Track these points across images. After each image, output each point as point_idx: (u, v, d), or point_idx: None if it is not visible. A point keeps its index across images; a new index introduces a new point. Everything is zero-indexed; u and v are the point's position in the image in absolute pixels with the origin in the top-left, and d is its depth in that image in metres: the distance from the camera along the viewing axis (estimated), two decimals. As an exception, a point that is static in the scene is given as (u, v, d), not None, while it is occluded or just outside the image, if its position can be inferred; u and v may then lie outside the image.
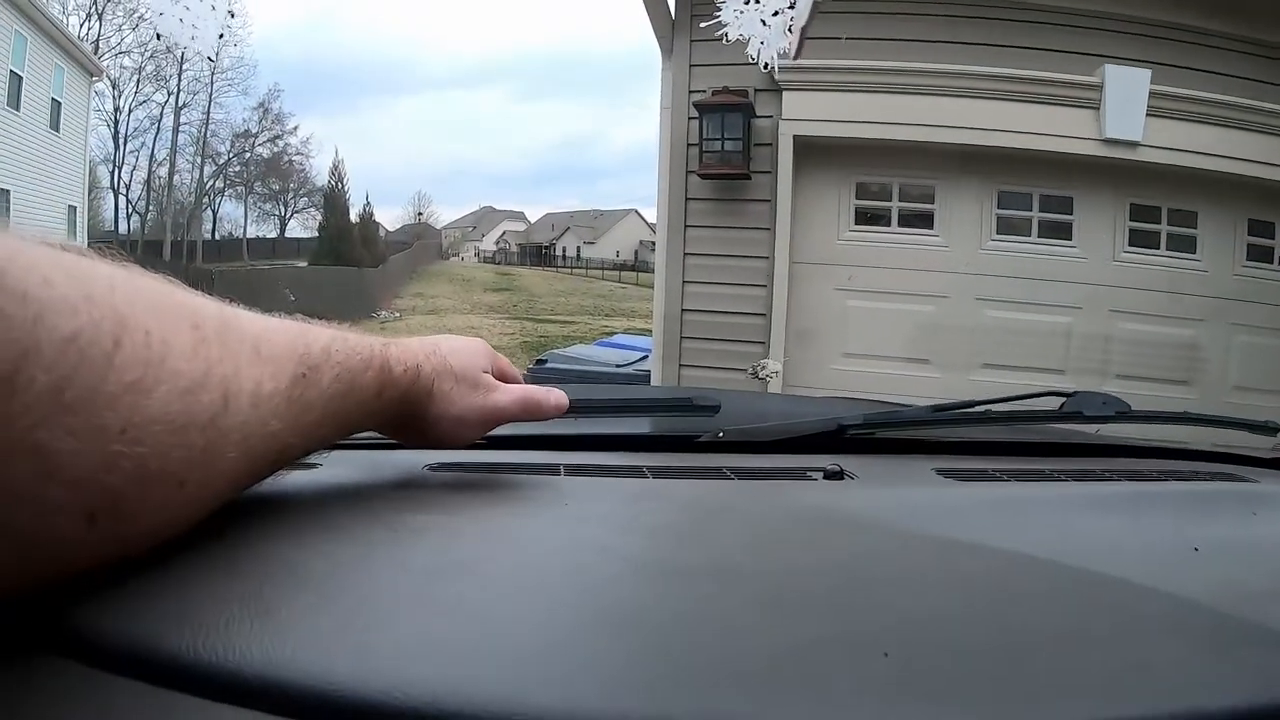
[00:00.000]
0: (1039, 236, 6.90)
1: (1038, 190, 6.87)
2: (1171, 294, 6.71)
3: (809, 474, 1.23)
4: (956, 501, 1.16)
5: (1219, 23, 6.35)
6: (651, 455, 1.38)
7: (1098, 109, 6.37)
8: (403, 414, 0.95)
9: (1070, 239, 6.85)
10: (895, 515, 1.03)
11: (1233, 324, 6.62)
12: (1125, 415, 1.56)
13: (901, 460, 1.41)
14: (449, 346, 1.02)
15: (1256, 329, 6.59)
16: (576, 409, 1.19)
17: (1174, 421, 1.68)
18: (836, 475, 1.21)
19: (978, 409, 1.55)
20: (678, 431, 1.51)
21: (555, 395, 1.11)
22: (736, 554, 0.87)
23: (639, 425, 1.65)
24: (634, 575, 0.81)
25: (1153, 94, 6.32)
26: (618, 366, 8.61)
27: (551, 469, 1.23)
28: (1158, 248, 6.86)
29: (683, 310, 6.94)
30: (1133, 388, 5.85)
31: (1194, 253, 6.82)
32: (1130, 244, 6.84)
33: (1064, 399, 1.58)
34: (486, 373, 1.05)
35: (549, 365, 8.73)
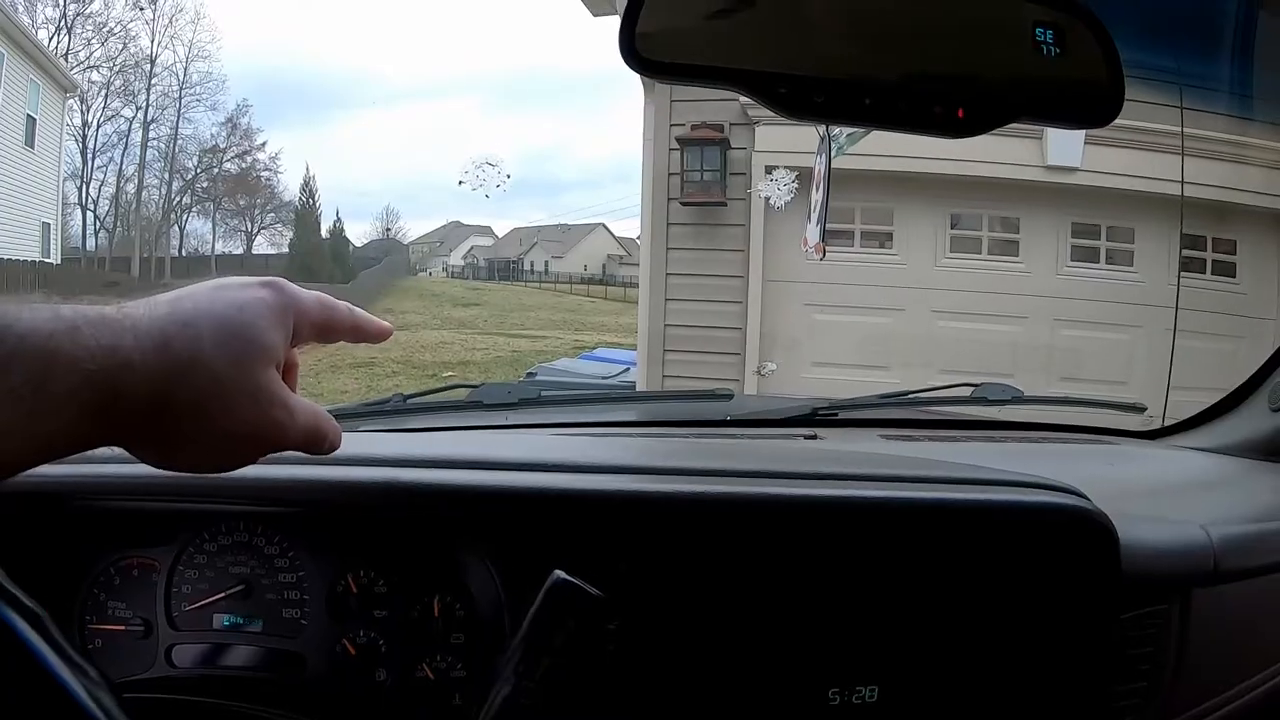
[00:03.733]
0: (988, 253, 7.46)
1: (987, 211, 7.44)
2: (1110, 303, 7.21)
3: (793, 438, 1.77)
4: (890, 450, 1.68)
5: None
6: (678, 428, 1.90)
7: (1040, 139, 6.90)
8: (115, 427, 0.67)
9: (1017, 255, 7.41)
10: (849, 455, 1.44)
11: (1168, 330, 6.98)
12: (1019, 399, 2.04)
13: (856, 430, 1.93)
14: (216, 320, 0.72)
15: (1192, 334, 6.96)
16: (605, 399, 1.42)
17: (1059, 404, 2.18)
18: (811, 438, 1.76)
19: (909, 396, 2.06)
20: (699, 415, 1.99)
21: (333, 430, 0.82)
22: (747, 462, 1.22)
23: (665, 411, 2.11)
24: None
25: (1089, 123, 6.80)
26: (603, 379, 8.60)
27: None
28: (1097, 261, 7.41)
29: (666, 325, 7.40)
30: (1076, 389, 6.26)
31: (1131, 266, 7.37)
32: (1072, 259, 7.39)
33: (973, 388, 2.06)
34: (275, 366, 0.76)
35: (539, 378, 8.53)
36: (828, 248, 7.42)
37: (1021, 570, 1.08)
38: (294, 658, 1.10)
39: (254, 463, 0.77)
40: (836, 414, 1.91)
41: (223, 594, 1.10)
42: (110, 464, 1.04)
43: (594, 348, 15.29)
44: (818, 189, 2.42)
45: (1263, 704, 1.49)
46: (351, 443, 0.90)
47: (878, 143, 6.87)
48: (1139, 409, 2.20)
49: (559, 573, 0.82)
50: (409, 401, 1.83)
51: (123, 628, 1.11)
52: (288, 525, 1.12)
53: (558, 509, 1.04)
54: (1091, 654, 1.12)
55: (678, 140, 7.22)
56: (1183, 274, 7.27)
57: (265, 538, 1.12)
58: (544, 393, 1.97)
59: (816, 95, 0.82)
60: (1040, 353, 7.05)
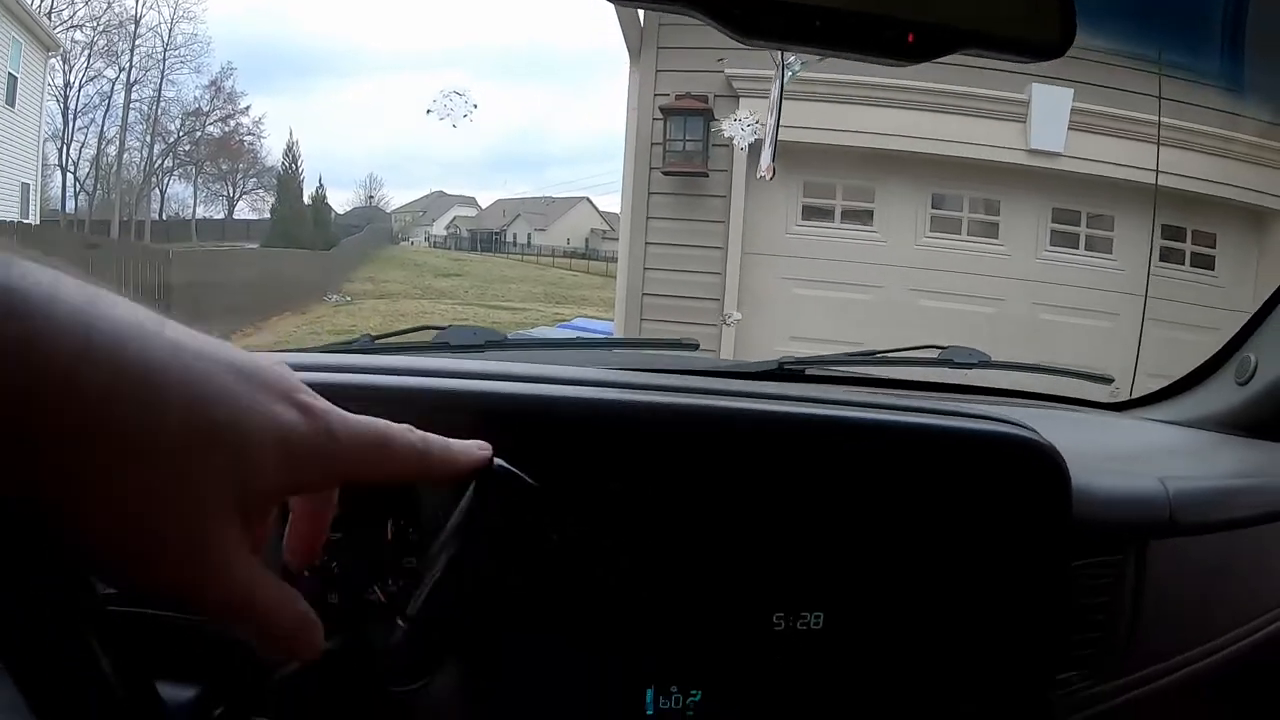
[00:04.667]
0: (968, 234, 7.47)
1: (968, 193, 7.45)
2: (1089, 290, 7.25)
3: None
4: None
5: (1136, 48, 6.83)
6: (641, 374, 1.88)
7: (1024, 122, 6.95)
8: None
9: (997, 237, 7.43)
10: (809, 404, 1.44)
11: (1148, 319, 7.07)
12: (986, 363, 2.02)
13: (821, 386, 1.91)
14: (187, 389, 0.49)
15: (1167, 324, 7.02)
16: (579, 344, 1.37)
17: (1026, 370, 2.17)
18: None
19: (876, 355, 2.04)
20: (664, 364, 1.97)
21: (306, 636, 0.58)
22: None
23: (630, 360, 2.10)
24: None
25: (1075, 110, 6.90)
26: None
27: None
28: (1077, 247, 7.45)
29: (644, 295, 7.38)
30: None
31: (1110, 253, 7.40)
32: (1052, 243, 7.42)
33: (940, 350, 2.05)
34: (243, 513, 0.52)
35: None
36: (809, 224, 7.50)
37: (971, 502, 1.07)
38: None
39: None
40: (803, 369, 1.88)
41: None
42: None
43: (575, 319, 15.24)
44: (772, 114, 2.38)
45: (1221, 670, 1.51)
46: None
47: (861, 121, 6.97)
48: (1106, 380, 2.20)
49: (495, 460, 0.79)
50: (377, 342, 1.77)
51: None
52: None
53: (512, 420, 1.02)
54: (1041, 594, 1.11)
55: (661, 110, 7.20)
56: (1161, 265, 7.31)
57: None
58: (511, 336, 1.94)
59: (768, 18, 0.80)
60: (1017, 335, 6.99)
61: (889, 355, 2.02)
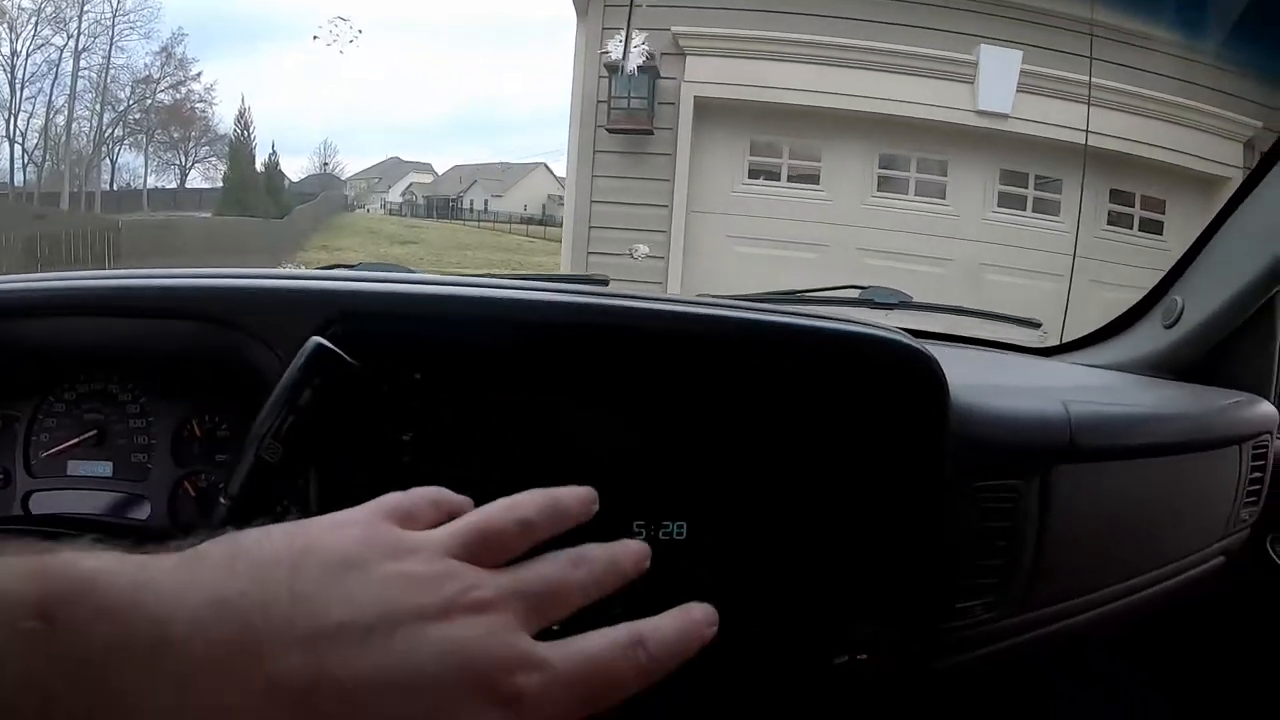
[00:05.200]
0: (916, 195, 7.47)
1: (916, 154, 7.44)
2: (1036, 251, 7.26)
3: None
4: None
5: (1086, 10, 6.86)
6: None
7: (972, 83, 6.93)
8: None
9: (944, 198, 7.45)
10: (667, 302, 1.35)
11: (1093, 281, 7.09)
12: (907, 304, 2.00)
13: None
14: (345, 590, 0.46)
15: (1114, 286, 6.96)
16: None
17: (950, 312, 2.14)
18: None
19: (794, 294, 2.00)
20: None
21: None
22: None
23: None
24: None
25: (1023, 72, 6.90)
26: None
27: None
28: (1024, 209, 7.45)
29: (589, 254, 7.31)
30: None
31: (1057, 215, 7.41)
32: (999, 204, 7.44)
33: (861, 290, 2.01)
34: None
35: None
36: (755, 183, 7.48)
37: (841, 408, 1.04)
38: (139, 500, 1.12)
39: None
40: (718, 304, 1.84)
41: (76, 440, 1.13)
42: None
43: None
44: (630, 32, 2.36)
45: (1135, 611, 1.49)
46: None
47: (809, 80, 6.93)
48: (1034, 324, 2.17)
49: (317, 338, 0.79)
50: (798, 295, 1.88)
51: (-17, 478, 1.15)
52: (140, 373, 1.14)
53: (381, 317, 1.00)
54: (919, 508, 1.07)
55: (606, 67, 7.13)
56: (1110, 228, 7.35)
57: (119, 385, 1.14)
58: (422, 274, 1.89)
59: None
60: (964, 295, 6.83)
61: (809, 294, 1.98)
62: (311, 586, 0.45)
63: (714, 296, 1.85)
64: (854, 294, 1.99)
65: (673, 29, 6.95)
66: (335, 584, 0.46)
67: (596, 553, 0.60)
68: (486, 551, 0.54)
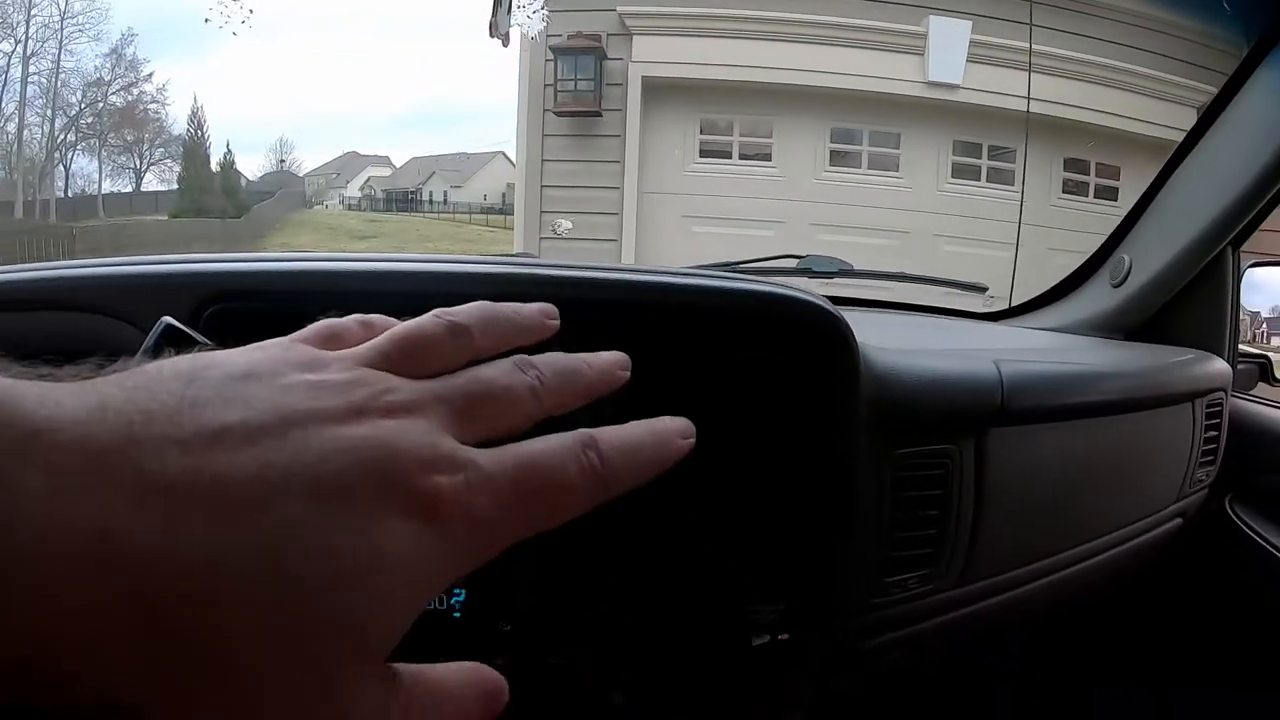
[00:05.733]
0: (869, 168, 7.43)
1: (868, 127, 7.39)
2: (990, 221, 7.22)
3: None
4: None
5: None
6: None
7: (922, 55, 6.88)
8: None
9: (898, 170, 7.40)
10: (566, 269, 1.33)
11: (1051, 249, 7.07)
12: (847, 272, 1.95)
13: None
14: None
15: (1072, 254, 6.90)
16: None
17: (893, 279, 2.10)
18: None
19: (733, 265, 1.95)
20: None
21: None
22: None
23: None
24: None
25: (973, 42, 6.85)
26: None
27: None
28: (978, 179, 7.42)
29: (540, 239, 7.20)
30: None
31: (1011, 185, 7.37)
32: (953, 175, 7.41)
33: (799, 259, 1.96)
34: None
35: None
36: (707, 162, 7.44)
37: (749, 377, 0.97)
38: None
39: None
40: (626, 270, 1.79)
41: None
42: None
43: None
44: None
45: (1075, 581, 1.44)
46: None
47: (757, 56, 6.89)
48: (980, 289, 2.13)
49: (166, 319, 0.69)
50: (735, 266, 1.83)
51: None
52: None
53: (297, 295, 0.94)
54: (833, 476, 1.01)
55: (552, 50, 7.08)
56: (1065, 196, 7.36)
57: None
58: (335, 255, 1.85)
59: None
60: (920, 266, 6.78)
61: (746, 265, 1.93)
62: (207, 393, 0.39)
63: (637, 267, 1.80)
64: (792, 264, 1.95)
65: (618, 9, 6.88)
66: (233, 391, 0.39)
67: (554, 355, 0.52)
68: (410, 360, 0.45)
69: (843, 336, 0.98)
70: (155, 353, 0.73)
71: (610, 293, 0.98)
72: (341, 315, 0.86)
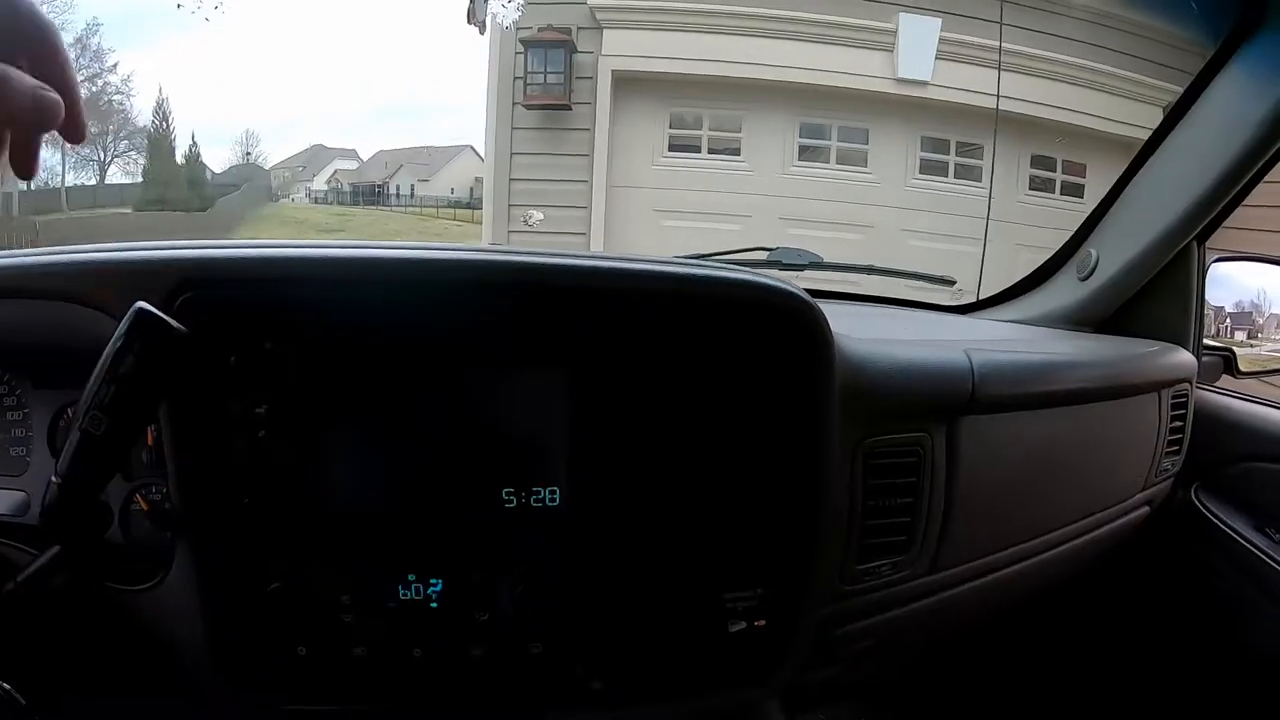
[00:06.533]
0: (837, 163, 7.41)
1: (836, 122, 7.37)
2: (958, 217, 7.24)
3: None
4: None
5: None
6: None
7: (892, 51, 6.89)
8: None
9: (866, 165, 7.40)
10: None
11: (1018, 245, 7.12)
12: (817, 264, 1.98)
13: None
14: None
15: (1037, 249, 6.91)
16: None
17: (862, 271, 2.12)
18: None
19: (703, 257, 1.96)
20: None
21: (54, 101, 0.62)
22: None
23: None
24: None
25: (942, 39, 6.87)
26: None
27: None
28: (946, 175, 7.44)
29: (509, 232, 7.17)
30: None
31: (979, 181, 7.40)
32: (921, 171, 7.41)
33: (769, 252, 1.97)
34: None
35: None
36: (676, 155, 7.45)
37: (725, 366, 0.99)
38: (19, 496, 1.09)
39: None
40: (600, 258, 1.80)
41: None
42: None
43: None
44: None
45: (1043, 568, 1.46)
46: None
47: (727, 51, 6.90)
48: (948, 282, 2.15)
49: (140, 304, 0.77)
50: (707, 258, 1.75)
51: None
52: (13, 362, 1.12)
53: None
54: (804, 465, 1.02)
55: (522, 42, 7.06)
56: (1032, 192, 7.41)
57: None
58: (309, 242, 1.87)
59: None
60: (886, 261, 6.74)
61: (715, 256, 1.94)
62: None
63: (613, 255, 1.81)
64: (762, 256, 1.97)
65: (589, 3, 6.88)
66: None
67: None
68: None
69: (819, 325, 1.00)
70: (127, 341, 0.79)
71: (589, 279, 0.99)
72: (314, 301, 0.89)
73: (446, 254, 0.98)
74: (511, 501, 0.96)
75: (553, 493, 0.96)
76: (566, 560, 0.98)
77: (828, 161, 7.41)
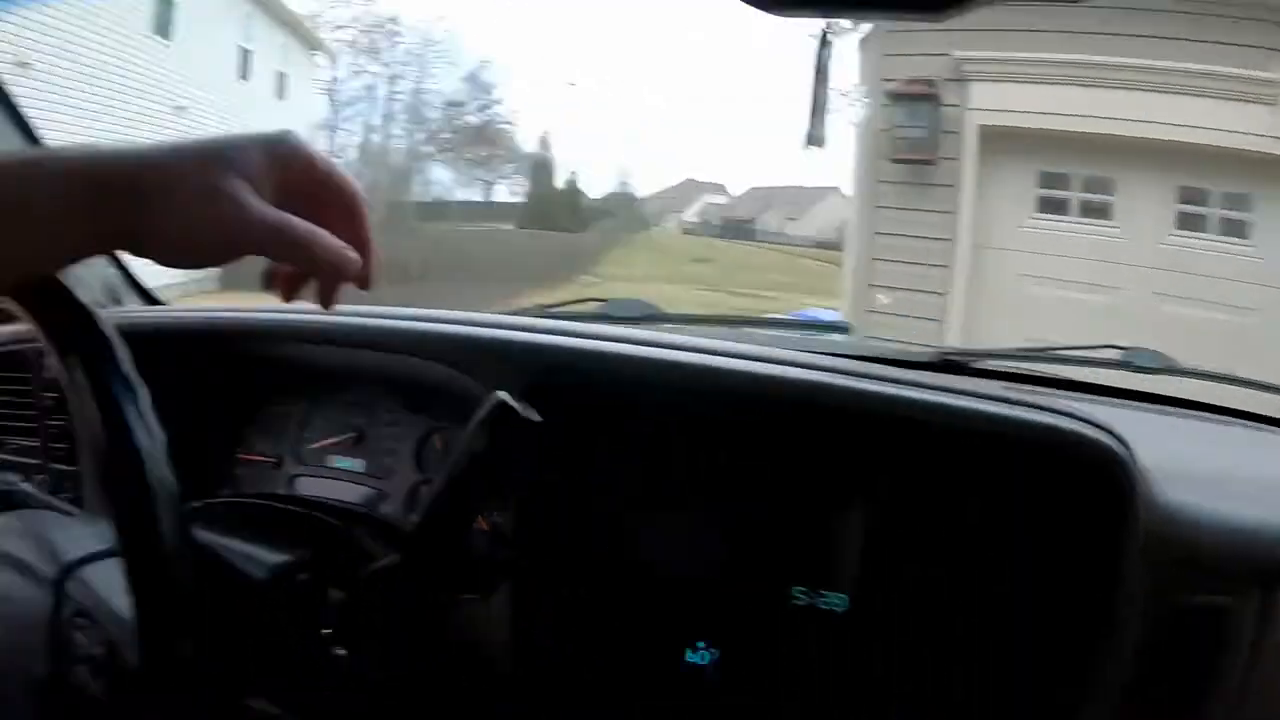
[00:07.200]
0: (1220, 234, 6.85)
1: (1217, 187, 6.85)
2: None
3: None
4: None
5: None
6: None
7: (1275, 104, 6.34)
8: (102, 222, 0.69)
9: (1247, 238, 6.77)
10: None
11: None
12: (1173, 370, 1.85)
13: (983, 382, 1.74)
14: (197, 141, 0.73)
15: None
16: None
17: (1223, 381, 1.96)
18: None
19: (1050, 351, 1.92)
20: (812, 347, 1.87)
21: (352, 260, 0.77)
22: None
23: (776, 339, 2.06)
24: None
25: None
26: (809, 334, 8.44)
27: None
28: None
29: (869, 285, 7.15)
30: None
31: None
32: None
33: (1122, 351, 1.85)
34: (246, 179, 0.72)
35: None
36: (1043, 217, 7.21)
37: (1017, 502, 0.98)
38: (384, 496, 1.39)
39: (224, 260, 0.74)
40: (967, 362, 1.75)
41: (338, 439, 1.44)
42: (267, 311, 1.41)
43: (808, 308, 15.17)
44: (817, 84, 2.29)
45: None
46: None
47: (1100, 105, 6.60)
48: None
49: (500, 394, 0.85)
50: (546, 310, 1.88)
51: (261, 458, 1.48)
52: (398, 390, 1.41)
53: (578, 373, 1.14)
54: (1088, 616, 0.97)
55: (888, 96, 7.03)
56: None
57: (379, 397, 1.43)
58: (668, 310, 1.98)
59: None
60: (1275, 347, 5.99)
61: (1061, 353, 1.91)
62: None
63: (964, 350, 1.80)
64: (1115, 355, 1.86)
65: (954, 54, 6.76)
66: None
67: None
68: None
69: (1116, 481, 0.96)
70: (488, 425, 0.86)
71: (901, 409, 1.04)
72: (658, 405, 1.10)
73: (778, 372, 1.07)
74: (801, 600, 1.02)
75: (841, 599, 1.01)
76: (839, 663, 1.03)
77: (1206, 231, 6.93)
